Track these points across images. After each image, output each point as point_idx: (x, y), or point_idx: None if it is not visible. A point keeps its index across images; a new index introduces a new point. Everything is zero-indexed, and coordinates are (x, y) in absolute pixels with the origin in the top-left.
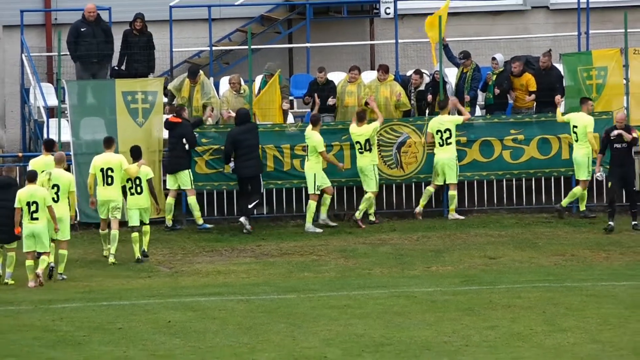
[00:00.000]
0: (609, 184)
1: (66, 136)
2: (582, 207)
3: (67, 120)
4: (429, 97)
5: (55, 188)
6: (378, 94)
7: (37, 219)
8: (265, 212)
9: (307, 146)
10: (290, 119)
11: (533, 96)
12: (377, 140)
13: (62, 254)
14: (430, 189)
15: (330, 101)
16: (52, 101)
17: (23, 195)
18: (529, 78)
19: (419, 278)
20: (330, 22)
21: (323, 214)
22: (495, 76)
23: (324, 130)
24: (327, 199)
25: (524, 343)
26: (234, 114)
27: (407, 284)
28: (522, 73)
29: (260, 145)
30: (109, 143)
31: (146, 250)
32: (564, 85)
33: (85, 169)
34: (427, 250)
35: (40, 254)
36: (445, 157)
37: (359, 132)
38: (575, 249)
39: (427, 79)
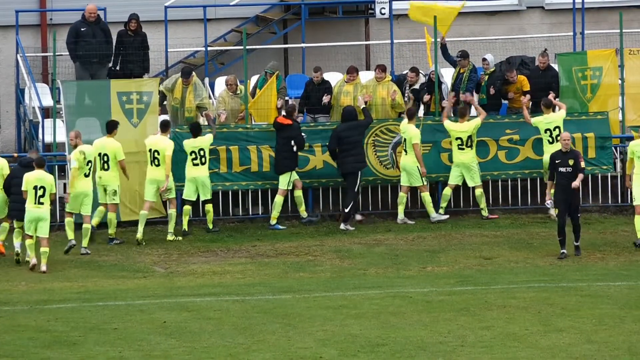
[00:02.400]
0: (556, 211)
1: (61, 136)
2: None
3: (63, 121)
4: (426, 96)
5: (90, 164)
6: (375, 94)
7: (42, 203)
8: (260, 213)
9: (405, 140)
10: None
11: (528, 96)
12: (373, 140)
13: (85, 227)
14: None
15: (325, 99)
16: (47, 101)
17: (31, 179)
18: (523, 79)
19: (415, 278)
20: (325, 22)
21: (401, 214)
22: (487, 77)
23: (319, 131)
24: (403, 197)
25: (519, 343)
26: (224, 117)
27: (403, 284)
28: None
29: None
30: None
31: (210, 227)
32: (559, 85)
33: None
34: (422, 250)
35: (39, 239)
36: None
37: (461, 128)
38: (571, 249)
39: (422, 79)
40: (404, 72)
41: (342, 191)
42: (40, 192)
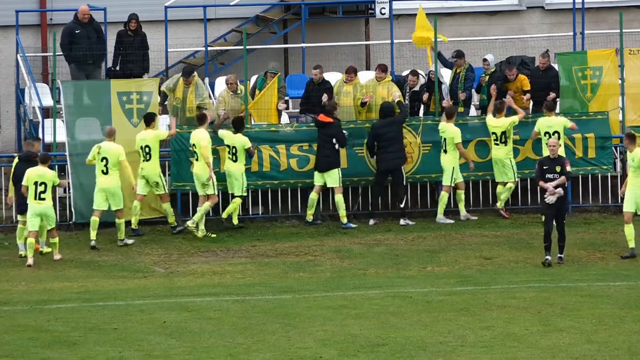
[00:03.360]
0: (543, 217)
1: (61, 136)
2: None
3: (63, 121)
4: (425, 95)
5: (104, 161)
6: (375, 93)
7: (44, 199)
8: (260, 212)
9: (445, 140)
10: (285, 119)
11: (528, 95)
12: None
13: (118, 222)
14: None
15: (324, 98)
16: (48, 101)
17: (32, 175)
18: (523, 78)
19: (415, 278)
20: (325, 22)
21: (463, 210)
22: (487, 77)
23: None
24: (461, 194)
25: (519, 343)
26: (228, 116)
27: (403, 284)
28: (516, 76)
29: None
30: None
31: (234, 221)
32: (559, 85)
33: (81, 170)
34: (422, 250)
35: (48, 232)
36: None
37: (496, 123)
38: (571, 249)
39: (422, 80)
40: (404, 74)
41: (371, 190)
42: (41, 188)
